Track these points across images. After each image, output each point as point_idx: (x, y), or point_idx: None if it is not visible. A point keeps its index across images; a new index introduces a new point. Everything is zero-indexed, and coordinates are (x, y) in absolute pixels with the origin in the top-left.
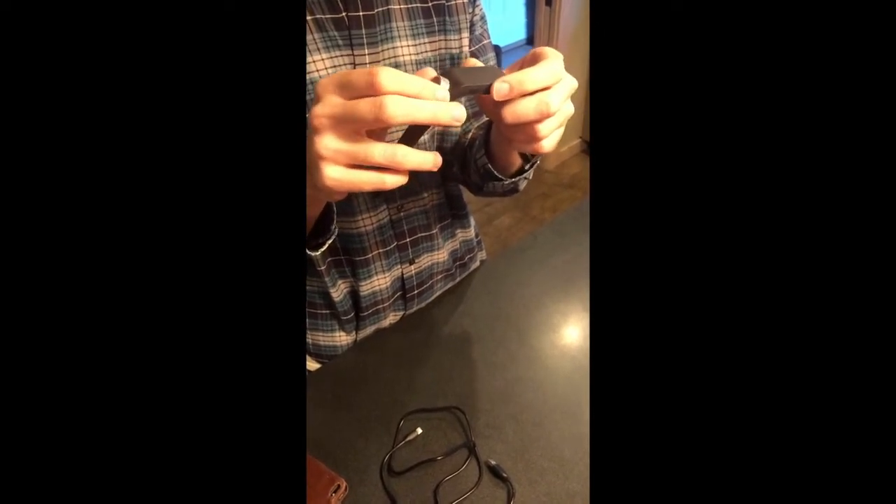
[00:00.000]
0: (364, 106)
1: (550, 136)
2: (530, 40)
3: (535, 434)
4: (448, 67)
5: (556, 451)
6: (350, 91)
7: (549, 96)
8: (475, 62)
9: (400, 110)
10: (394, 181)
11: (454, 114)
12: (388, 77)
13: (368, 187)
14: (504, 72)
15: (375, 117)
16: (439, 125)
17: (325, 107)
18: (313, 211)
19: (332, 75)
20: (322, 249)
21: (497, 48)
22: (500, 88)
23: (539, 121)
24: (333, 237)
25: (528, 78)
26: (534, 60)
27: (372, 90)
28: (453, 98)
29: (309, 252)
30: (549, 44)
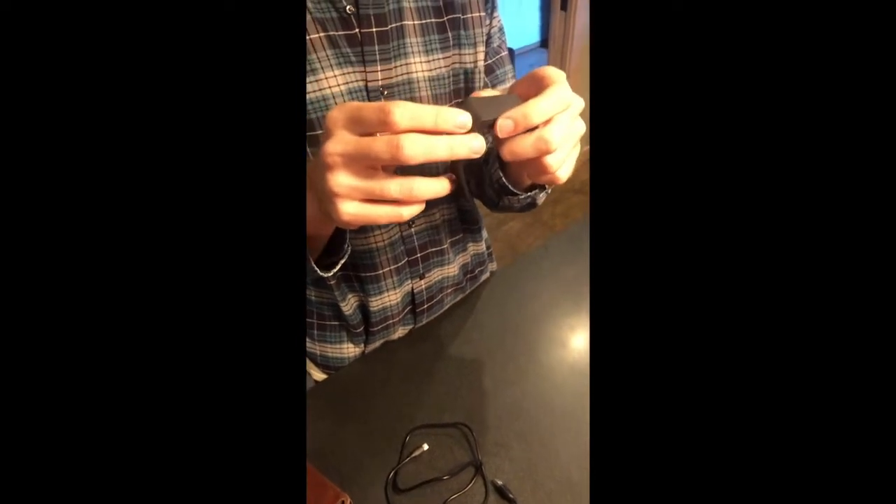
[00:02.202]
0: (380, 146)
1: (563, 167)
2: (544, 43)
3: (543, 454)
4: (466, 99)
5: (564, 472)
6: (362, 127)
7: (549, 133)
8: (491, 92)
9: (418, 150)
10: (410, 212)
11: (472, 146)
12: (401, 113)
13: (385, 220)
14: (520, 100)
15: (392, 157)
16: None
17: (338, 144)
18: (325, 231)
19: (342, 107)
20: (335, 270)
21: (510, 51)
22: (504, 126)
23: (540, 157)
24: (346, 257)
25: (533, 111)
26: (533, 82)
27: (385, 127)
28: (472, 131)
29: (321, 272)
30: (563, 48)
